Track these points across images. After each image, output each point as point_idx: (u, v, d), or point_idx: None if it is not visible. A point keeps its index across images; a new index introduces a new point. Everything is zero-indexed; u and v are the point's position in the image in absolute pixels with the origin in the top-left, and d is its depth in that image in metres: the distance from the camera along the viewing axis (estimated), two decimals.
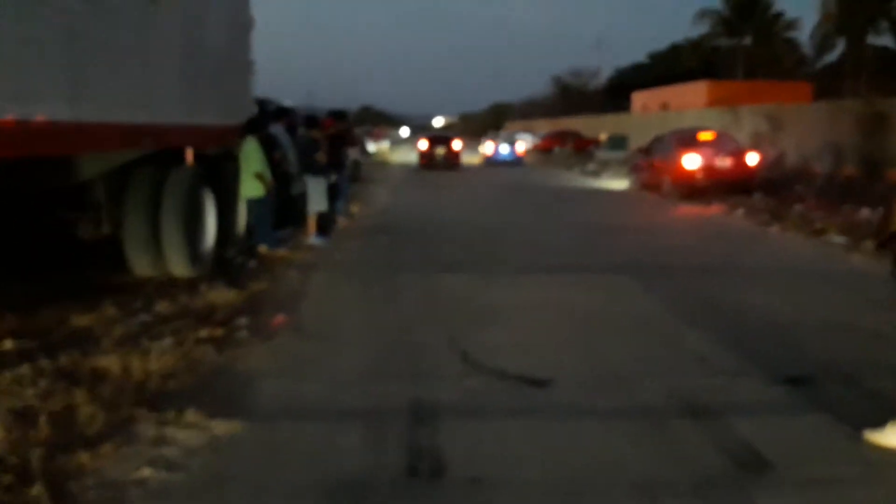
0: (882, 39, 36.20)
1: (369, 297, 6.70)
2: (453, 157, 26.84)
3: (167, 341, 4.73)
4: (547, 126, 54.50)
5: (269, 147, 9.25)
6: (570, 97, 64.66)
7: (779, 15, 43.41)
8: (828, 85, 35.41)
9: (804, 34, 43.61)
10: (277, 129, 10.09)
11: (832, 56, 39.25)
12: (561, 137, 42.82)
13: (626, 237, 10.62)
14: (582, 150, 38.26)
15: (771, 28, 43.40)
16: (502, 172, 26.09)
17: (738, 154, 16.27)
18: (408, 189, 19.94)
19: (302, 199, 10.95)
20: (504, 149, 31.97)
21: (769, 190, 15.70)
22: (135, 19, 5.38)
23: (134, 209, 6.43)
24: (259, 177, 8.33)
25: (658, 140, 18.27)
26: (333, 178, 10.62)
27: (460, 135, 33.73)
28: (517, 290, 6.93)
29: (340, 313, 6.07)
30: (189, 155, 6.95)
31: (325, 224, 10.37)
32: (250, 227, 8.73)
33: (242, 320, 5.58)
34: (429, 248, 9.50)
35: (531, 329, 5.58)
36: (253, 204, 8.55)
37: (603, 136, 36.04)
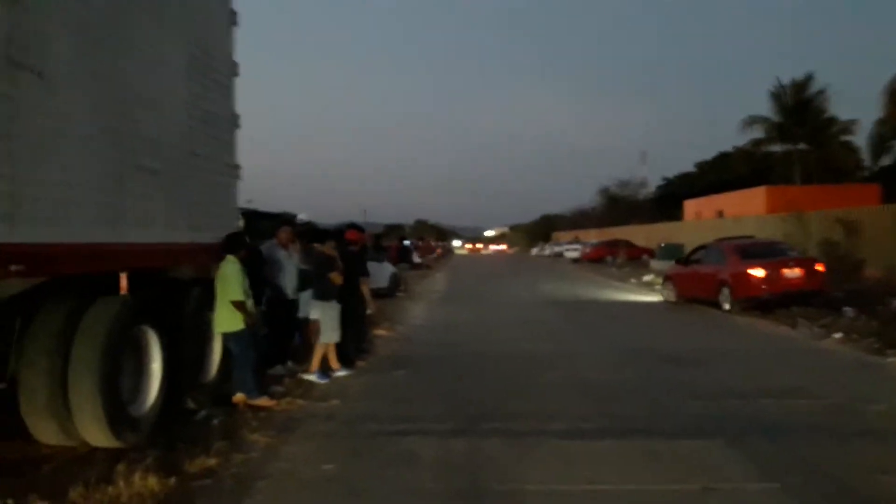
0: None
1: (351, 483, 4.67)
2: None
3: None
4: (597, 235, 53.12)
5: (256, 268, 7.63)
6: (619, 207, 63.51)
7: (833, 118, 41.64)
8: (888, 187, 33.14)
9: (858, 137, 41.41)
10: (272, 247, 8.50)
11: (888, 159, 37.22)
12: (612, 246, 41.28)
13: (703, 371, 8.41)
14: (634, 259, 36.44)
15: (825, 132, 41.55)
16: (549, 280, 24.09)
17: (805, 263, 15.13)
18: (449, 303, 18.17)
19: (297, 327, 9.22)
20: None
21: (859, 305, 13.33)
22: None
23: (33, 358, 4.70)
24: (237, 306, 6.61)
25: (704, 249, 17.32)
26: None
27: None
28: (562, 472, 4.78)
29: None
30: (123, 282, 5.26)
31: (345, 354, 8.56)
32: (225, 370, 6.95)
33: None
34: (454, 389, 7.49)
35: None
36: (229, 340, 6.80)
37: (656, 245, 34.20)
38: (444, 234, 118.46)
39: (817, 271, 14.81)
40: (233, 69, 7.57)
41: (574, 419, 6.15)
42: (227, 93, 7.41)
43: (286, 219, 10.29)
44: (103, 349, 4.82)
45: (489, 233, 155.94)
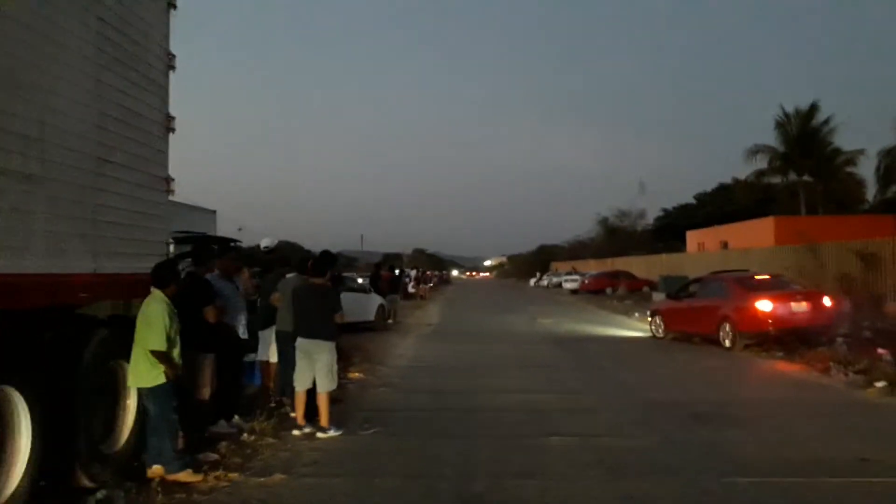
0: None
1: None
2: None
3: None
4: (595, 266, 51.72)
5: (196, 304, 6.16)
6: (618, 237, 62.29)
7: (838, 149, 40.66)
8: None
9: (861, 168, 40.45)
10: (215, 279, 7.05)
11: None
12: (612, 278, 39.83)
13: (741, 433, 6.92)
14: (635, 290, 35.03)
15: (830, 162, 40.54)
16: (547, 313, 22.62)
17: (813, 296, 14.20)
18: (441, 338, 16.65)
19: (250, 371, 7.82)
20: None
21: (892, 346, 11.87)
22: None
23: None
24: (158, 357, 5.13)
25: (700, 282, 16.21)
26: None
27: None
28: None
29: None
30: None
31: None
32: (141, 435, 5.44)
33: None
34: (436, 459, 5.96)
35: None
36: (146, 398, 5.30)
37: (658, 277, 32.79)
38: (443, 264, 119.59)
39: (826, 306, 13.85)
40: (167, 61, 6.20)
41: None
42: (157, 89, 6.02)
43: (230, 245, 8.85)
44: None
45: (487, 262, 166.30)
